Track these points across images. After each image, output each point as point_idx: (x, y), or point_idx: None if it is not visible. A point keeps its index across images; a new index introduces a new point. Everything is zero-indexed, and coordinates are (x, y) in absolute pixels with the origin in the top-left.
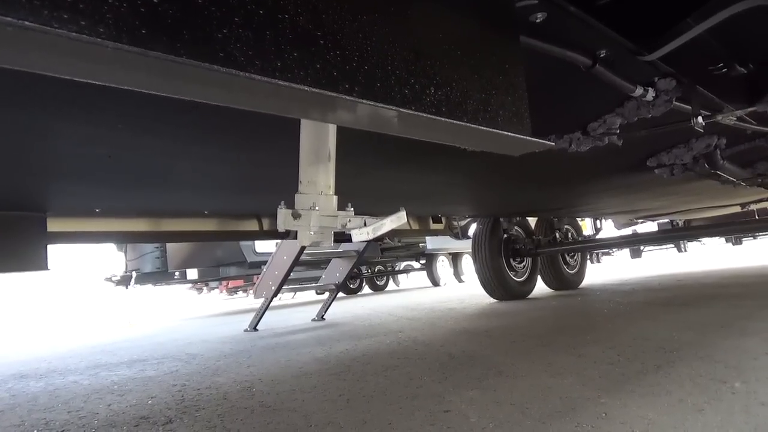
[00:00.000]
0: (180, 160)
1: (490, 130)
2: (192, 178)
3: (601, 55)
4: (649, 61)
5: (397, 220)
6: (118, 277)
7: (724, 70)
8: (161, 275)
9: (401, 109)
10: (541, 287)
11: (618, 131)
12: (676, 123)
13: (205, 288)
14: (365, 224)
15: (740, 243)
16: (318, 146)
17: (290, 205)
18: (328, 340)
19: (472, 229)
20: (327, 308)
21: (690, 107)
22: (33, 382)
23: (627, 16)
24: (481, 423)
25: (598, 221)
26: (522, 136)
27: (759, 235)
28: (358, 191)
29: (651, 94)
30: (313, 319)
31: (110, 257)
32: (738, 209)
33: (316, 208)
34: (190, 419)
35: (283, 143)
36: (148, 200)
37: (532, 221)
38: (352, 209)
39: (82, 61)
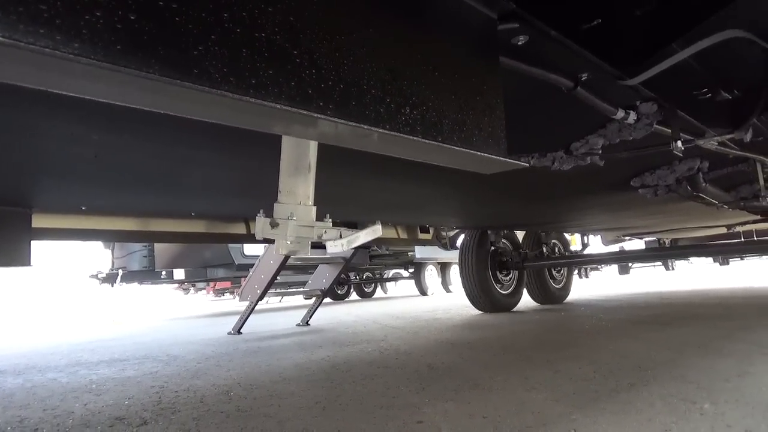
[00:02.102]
0: (167, 162)
1: (464, 150)
2: (180, 180)
3: (583, 78)
4: (631, 85)
5: (372, 233)
6: (104, 275)
7: (708, 95)
8: (148, 274)
9: (374, 129)
10: (526, 300)
11: (600, 152)
12: (657, 146)
13: (191, 288)
14: (341, 236)
15: (727, 263)
16: (298, 158)
17: (269, 213)
18: (310, 346)
19: (460, 240)
20: (312, 314)
21: (670, 130)
22: (11, 379)
23: (611, 41)
24: None
25: (585, 237)
26: (495, 156)
27: (746, 256)
28: (345, 199)
29: (632, 117)
30: (298, 324)
31: (97, 254)
32: (724, 230)
33: (294, 218)
34: (166, 422)
35: (272, 150)
36: (135, 200)
37: (519, 234)
38: (330, 221)
39: (55, 74)
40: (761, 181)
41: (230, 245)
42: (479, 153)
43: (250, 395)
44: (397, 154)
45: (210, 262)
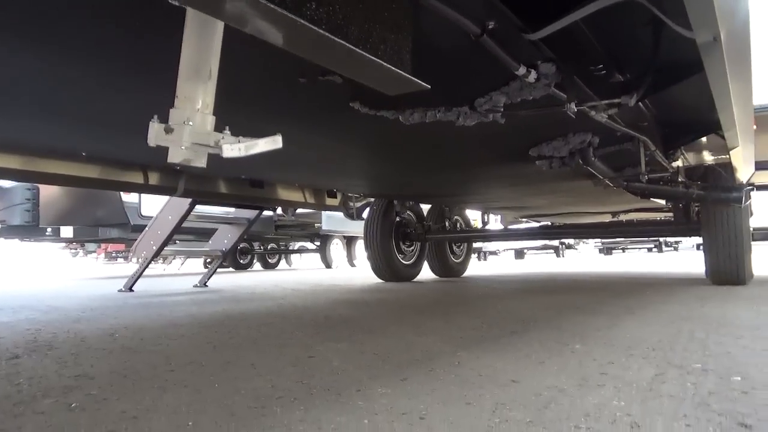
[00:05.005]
0: (51, 82)
1: (370, 57)
2: (59, 105)
3: (489, 26)
4: (534, 42)
5: (273, 143)
6: None
7: (603, 71)
8: (31, 230)
9: (278, 9)
10: (426, 274)
11: (502, 109)
12: (553, 106)
13: (80, 250)
14: (240, 143)
15: (610, 254)
16: (199, 62)
17: (164, 120)
18: (206, 302)
19: (367, 212)
20: (211, 275)
21: (566, 96)
22: None
23: None
24: (342, 366)
25: (486, 215)
26: (400, 72)
27: (627, 249)
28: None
29: (533, 75)
30: (195, 286)
31: None
32: (609, 217)
33: (190, 123)
34: (40, 356)
35: (169, 73)
36: (14, 129)
37: (425, 208)
38: (229, 132)
39: None
40: (642, 161)
41: (126, 203)
42: (384, 64)
43: (137, 336)
44: (302, 51)
45: (102, 221)
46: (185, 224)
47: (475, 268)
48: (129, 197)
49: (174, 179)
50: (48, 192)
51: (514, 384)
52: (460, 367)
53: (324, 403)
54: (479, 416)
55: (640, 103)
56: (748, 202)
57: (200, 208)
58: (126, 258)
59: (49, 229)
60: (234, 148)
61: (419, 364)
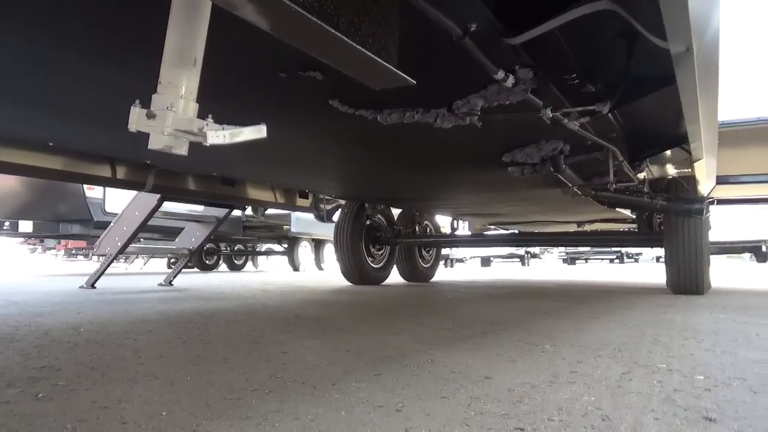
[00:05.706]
0: (12, 62)
1: (359, 48)
2: (31, 90)
3: (472, 29)
4: (513, 47)
5: (257, 132)
6: None
7: (576, 80)
8: None
9: None
10: (394, 278)
11: (479, 113)
12: (529, 111)
13: (39, 246)
14: (223, 130)
15: (574, 264)
16: (183, 48)
17: (146, 106)
18: (173, 300)
19: (337, 215)
20: (177, 274)
21: (542, 102)
22: None
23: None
24: (315, 362)
25: (455, 222)
26: (388, 65)
27: (590, 259)
28: (221, 149)
29: (511, 80)
30: (160, 284)
31: None
32: (575, 227)
33: (173, 109)
34: (1, 348)
35: (152, 62)
36: None
37: (395, 212)
38: (212, 119)
39: None
40: (611, 171)
41: (89, 199)
42: (373, 56)
43: (104, 331)
44: (292, 38)
45: (64, 217)
46: (151, 222)
47: (442, 274)
48: (93, 192)
49: (143, 174)
50: (6, 183)
51: (487, 380)
52: (433, 365)
53: (300, 396)
54: (455, 409)
55: (610, 114)
56: (708, 215)
57: (167, 205)
58: (86, 255)
59: (6, 223)
60: (218, 135)
61: (393, 361)
